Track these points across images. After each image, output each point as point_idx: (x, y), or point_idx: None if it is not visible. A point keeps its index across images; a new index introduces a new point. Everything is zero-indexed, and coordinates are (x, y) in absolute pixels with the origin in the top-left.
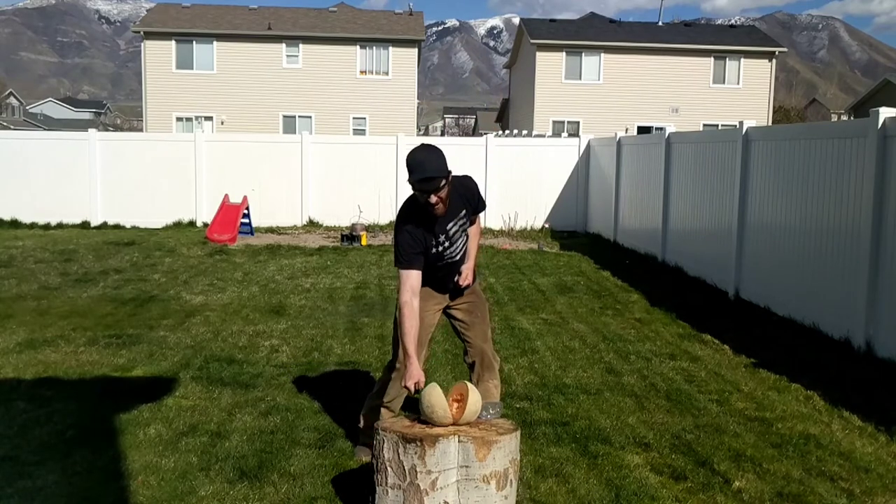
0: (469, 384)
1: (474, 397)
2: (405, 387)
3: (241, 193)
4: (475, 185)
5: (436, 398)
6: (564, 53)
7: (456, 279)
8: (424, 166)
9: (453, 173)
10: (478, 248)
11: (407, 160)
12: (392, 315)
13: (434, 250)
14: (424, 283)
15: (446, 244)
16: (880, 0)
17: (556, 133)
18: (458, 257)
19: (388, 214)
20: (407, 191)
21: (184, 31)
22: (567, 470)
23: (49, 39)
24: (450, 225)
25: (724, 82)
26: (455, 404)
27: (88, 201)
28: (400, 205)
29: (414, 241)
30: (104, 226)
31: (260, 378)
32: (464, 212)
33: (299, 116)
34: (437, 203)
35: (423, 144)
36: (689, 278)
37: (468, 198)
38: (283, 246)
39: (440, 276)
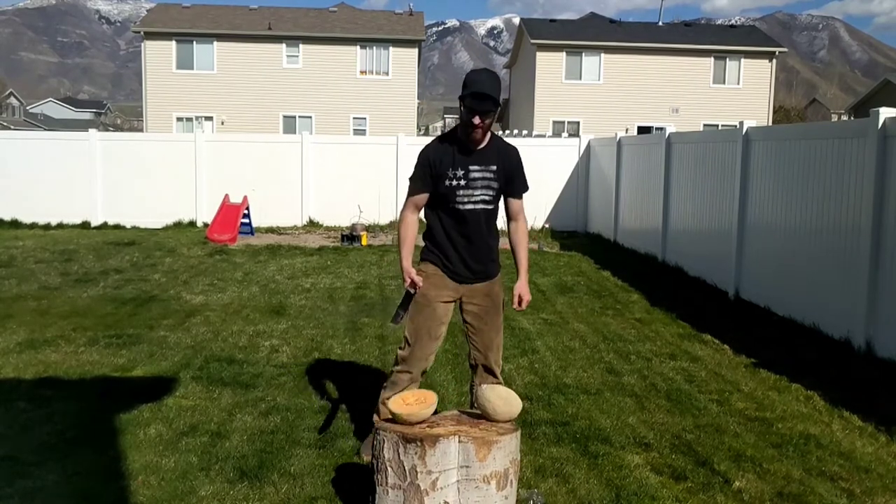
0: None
1: (517, 402)
2: (409, 286)
3: (241, 193)
4: (518, 156)
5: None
6: (564, 53)
7: (515, 304)
8: (483, 84)
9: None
10: (527, 258)
11: (466, 77)
12: (390, 314)
13: (448, 182)
14: (435, 238)
15: (462, 182)
16: (880, 0)
17: (556, 133)
18: (470, 207)
19: (388, 214)
20: (406, 191)
21: (184, 31)
22: (567, 470)
23: (49, 39)
24: (473, 166)
25: (724, 82)
26: (414, 404)
27: (89, 201)
28: (400, 205)
29: (429, 164)
30: (104, 226)
31: (260, 378)
32: (494, 167)
33: (299, 116)
34: (479, 126)
35: (486, 69)
36: (690, 278)
37: (505, 163)
38: (283, 246)
39: (452, 227)
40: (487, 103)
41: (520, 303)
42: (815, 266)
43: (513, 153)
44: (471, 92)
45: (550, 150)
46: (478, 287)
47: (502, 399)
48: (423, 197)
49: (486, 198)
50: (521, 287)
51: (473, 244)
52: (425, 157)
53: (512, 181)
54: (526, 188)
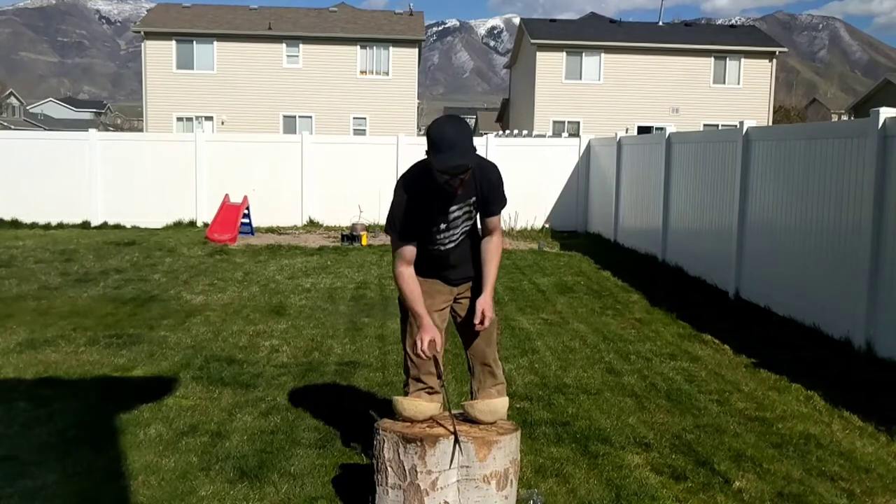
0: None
1: (500, 401)
2: (420, 351)
3: (241, 193)
4: (498, 176)
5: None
6: (564, 53)
7: (475, 324)
8: (455, 148)
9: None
10: (495, 275)
11: (432, 134)
12: (393, 315)
13: (428, 228)
14: (418, 271)
15: (443, 227)
16: (880, 0)
17: (557, 133)
18: (451, 246)
19: None
20: None
21: (184, 31)
22: (567, 470)
23: (49, 39)
24: (454, 208)
25: (724, 82)
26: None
27: (89, 201)
28: None
29: (413, 217)
30: (104, 226)
31: (260, 378)
32: (473, 199)
33: (299, 116)
34: (459, 185)
35: (451, 117)
36: (690, 278)
37: (483, 188)
38: (283, 246)
39: (430, 263)
40: (462, 168)
41: (482, 320)
42: (815, 266)
43: (491, 174)
44: (444, 166)
45: (550, 150)
46: (469, 284)
47: (487, 413)
48: (412, 250)
49: (466, 228)
50: (485, 301)
51: (458, 264)
52: (411, 212)
53: (489, 203)
54: (504, 204)
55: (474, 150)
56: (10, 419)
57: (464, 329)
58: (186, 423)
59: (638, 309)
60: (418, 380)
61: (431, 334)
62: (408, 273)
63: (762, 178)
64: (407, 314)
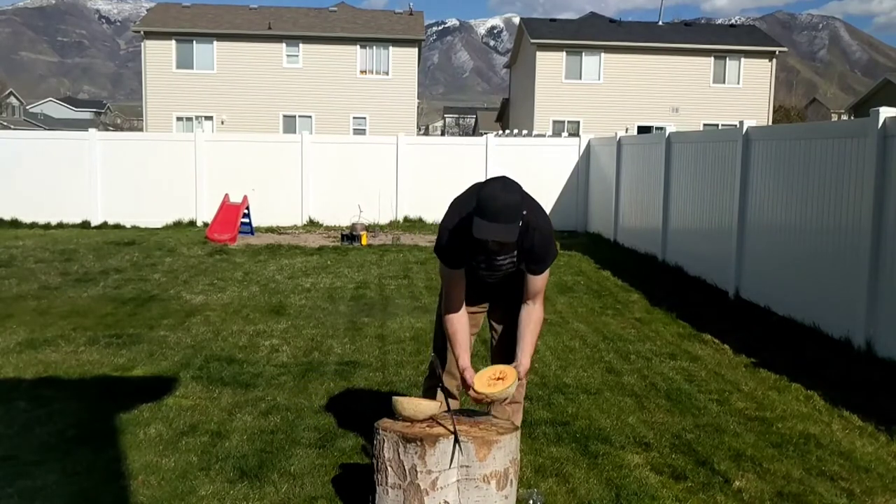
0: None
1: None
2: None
3: (241, 193)
4: (543, 237)
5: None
6: (564, 53)
7: (502, 401)
8: (498, 218)
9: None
10: (534, 344)
11: (481, 197)
12: (393, 314)
13: (470, 262)
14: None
15: (483, 266)
16: (880, 0)
17: (556, 133)
18: (493, 282)
19: (388, 214)
20: (405, 191)
21: (184, 30)
22: (567, 470)
23: (49, 39)
24: (495, 257)
25: (724, 82)
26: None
27: (88, 201)
28: (399, 204)
29: (458, 251)
30: (104, 225)
31: (260, 378)
32: (516, 252)
33: (299, 116)
34: (498, 250)
35: (503, 183)
36: (690, 278)
37: (525, 244)
38: (283, 245)
39: (475, 285)
40: (500, 243)
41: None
42: (815, 266)
43: (537, 234)
44: (480, 238)
45: (550, 149)
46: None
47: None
48: (461, 275)
49: (510, 270)
50: (520, 365)
51: (499, 291)
52: (457, 246)
53: (530, 261)
54: (548, 263)
55: (523, 213)
56: (10, 419)
57: (493, 335)
58: (186, 423)
59: (638, 309)
60: (431, 376)
61: (470, 375)
62: (455, 317)
63: (762, 177)
64: (442, 324)
